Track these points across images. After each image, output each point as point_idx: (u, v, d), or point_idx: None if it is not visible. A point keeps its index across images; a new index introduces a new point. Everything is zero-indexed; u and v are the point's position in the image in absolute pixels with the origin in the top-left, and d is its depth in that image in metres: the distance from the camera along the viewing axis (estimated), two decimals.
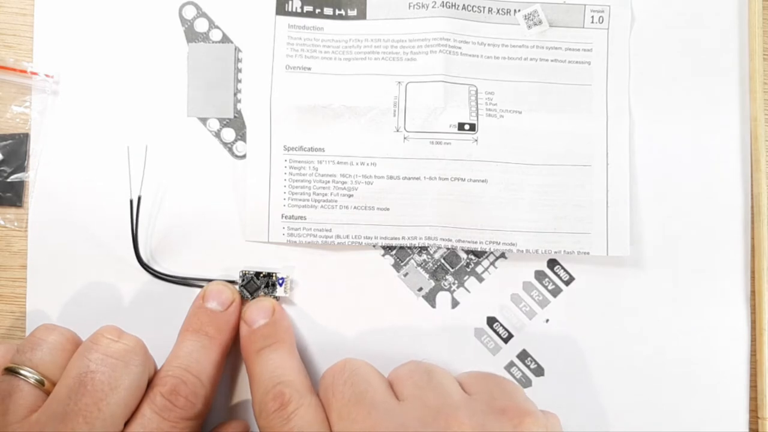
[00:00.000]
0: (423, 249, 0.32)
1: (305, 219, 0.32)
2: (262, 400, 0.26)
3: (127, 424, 0.25)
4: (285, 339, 0.29)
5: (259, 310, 0.30)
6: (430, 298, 0.32)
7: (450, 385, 0.26)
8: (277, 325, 0.29)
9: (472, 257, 0.32)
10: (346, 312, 0.32)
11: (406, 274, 0.32)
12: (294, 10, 0.32)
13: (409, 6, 0.32)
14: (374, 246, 0.32)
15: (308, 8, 0.32)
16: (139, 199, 0.31)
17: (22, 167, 0.32)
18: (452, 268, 0.32)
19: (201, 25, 0.32)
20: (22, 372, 0.25)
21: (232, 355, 0.31)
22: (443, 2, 0.32)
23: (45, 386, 0.25)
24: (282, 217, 0.32)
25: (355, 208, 0.32)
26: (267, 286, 0.31)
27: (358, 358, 0.28)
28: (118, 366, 0.25)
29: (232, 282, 0.31)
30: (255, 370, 0.28)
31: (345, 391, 0.26)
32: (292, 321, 0.31)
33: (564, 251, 0.32)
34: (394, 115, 0.32)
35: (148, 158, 0.32)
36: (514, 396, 0.26)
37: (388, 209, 0.32)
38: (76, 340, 0.27)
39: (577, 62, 0.32)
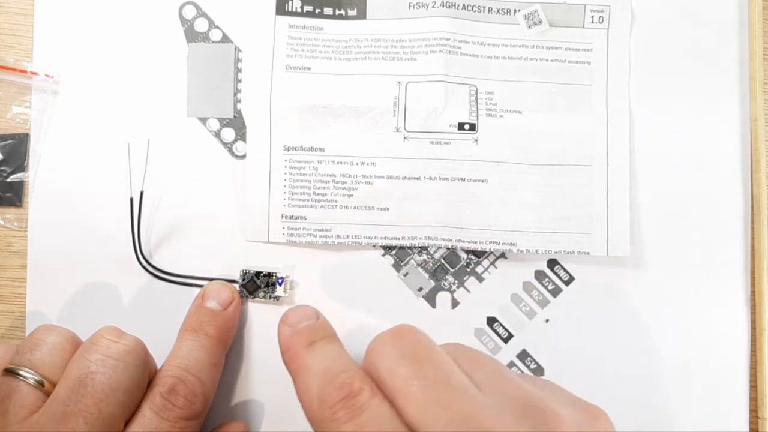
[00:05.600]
0: (423, 249, 0.32)
1: (305, 219, 0.32)
2: (323, 391, 0.23)
3: (127, 424, 0.25)
4: (335, 336, 0.27)
5: (302, 314, 0.27)
6: (430, 298, 0.32)
7: (518, 378, 0.23)
8: (326, 324, 0.27)
9: (472, 257, 0.32)
10: (346, 312, 0.32)
11: (406, 274, 0.32)
12: (294, 10, 0.32)
13: (409, 6, 0.32)
14: (374, 246, 0.32)
15: (308, 8, 0.32)
16: (141, 194, 0.31)
17: (22, 167, 0.32)
18: (452, 268, 0.32)
19: (201, 25, 0.32)
20: (21, 373, 0.25)
21: (232, 355, 0.31)
22: (443, 2, 0.32)
23: (45, 387, 0.25)
24: (282, 217, 0.32)
25: (355, 208, 0.32)
26: (267, 285, 0.31)
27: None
28: (118, 367, 0.25)
29: (232, 281, 0.31)
30: (306, 362, 0.24)
31: (426, 370, 0.22)
32: None
33: (564, 251, 0.32)
34: (394, 115, 0.32)
35: (148, 158, 0.31)
36: (571, 394, 0.24)
37: (388, 209, 0.32)
38: (75, 340, 0.27)
39: (577, 62, 0.32)
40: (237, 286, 0.31)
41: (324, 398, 0.23)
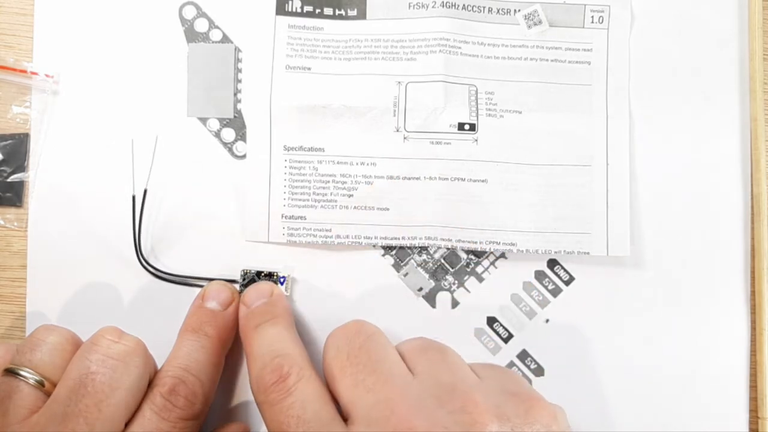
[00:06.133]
0: (423, 249, 0.32)
1: (305, 219, 0.32)
2: (260, 375, 0.26)
3: (127, 424, 0.25)
4: (283, 315, 0.29)
5: (257, 292, 0.30)
6: (430, 298, 0.32)
7: (463, 366, 0.26)
8: (276, 304, 0.29)
9: (472, 257, 0.32)
10: (346, 312, 0.32)
11: (406, 274, 0.32)
12: (294, 10, 0.32)
13: (409, 6, 0.32)
14: (374, 246, 0.32)
15: (308, 8, 0.32)
16: (145, 192, 0.31)
17: (22, 167, 0.32)
18: (452, 268, 0.32)
19: (201, 25, 0.32)
20: (21, 373, 0.25)
21: (232, 356, 0.31)
22: (443, 2, 0.32)
23: (45, 387, 0.25)
24: (282, 217, 0.32)
25: (355, 208, 0.32)
26: None
27: None
28: (118, 367, 0.25)
29: (233, 281, 0.31)
30: (252, 345, 0.27)
31: (361, 357, 0.25)
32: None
33: (564, 251, 0.32)
34: (394, 115, 0.32)
35: (155, 154, 0.31)
36: (523, 384, 0.26)
37: (388, 209, 0.32)
38: (76, 340, 0.27)
39: (577, 62, 0.32)
40: (237, 286, 0.31)
41: (260, 382, 0.25)
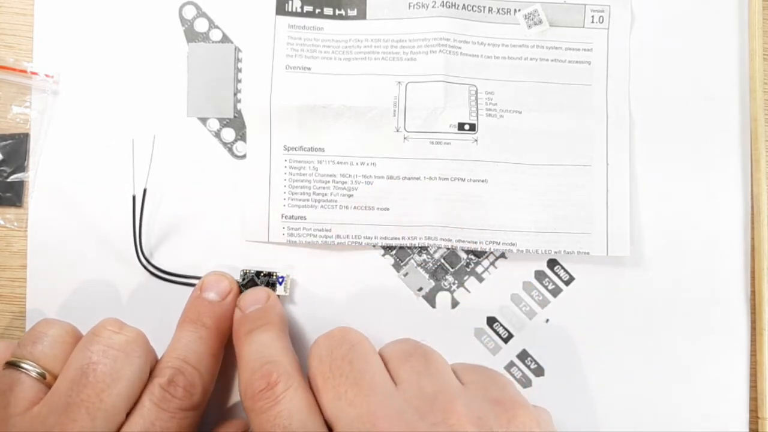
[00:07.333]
0: (423, 249, 0.32)
1: (305, 219, 0.32)
2: (249, 380, 0.25)
3: (128, 414, 0.25)
4: (276, 322, 0.28)
5: (253, 297, 0.29)
6: (430, 298, 0.32)
7: (446, 373, 0.26)
8: (270, 309, 0.29)
9: (472, 257, 0.32)
10: (346, 312, 0.32)
11: (406, 274, 0.32)
12: (294, 10, 0.32)
13: (409, 6, 0.32)
14: (374, 246, 0.32)
15: (308, 8, 0.32)
16: (144, 192, 0.31)
17: (22, 167, 0.32)
18: (452, 268, 0.32)
19: (201, 25, 0.32)
20: (23, 365, 0.25)
21: (232, 354, 0.31)
22: (443, 2, 0.32)
23: (46, 379, 0.25)
24: (282, 217, 0.32)
25: (355, 208, 0.32)
26: (267, 285, 0.31)
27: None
28: (119, 357, 0.25)
29: None
30: (243, 350, 0.27)
31: (343, 368, 0.25)
32: (292, 320, 0.32)
33: (564, 251, 0.32)
34: (394, 115, 0.32)
35: (153, 154, 0.31)
36: (507, 388, 0.26)
37: (388, 209, 0.32)
38: (76, 333, 0.27)
39: (577, 62, 0.32)
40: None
41: (248, 388, 0.25)
